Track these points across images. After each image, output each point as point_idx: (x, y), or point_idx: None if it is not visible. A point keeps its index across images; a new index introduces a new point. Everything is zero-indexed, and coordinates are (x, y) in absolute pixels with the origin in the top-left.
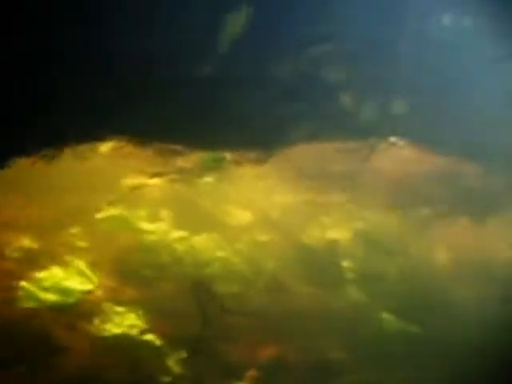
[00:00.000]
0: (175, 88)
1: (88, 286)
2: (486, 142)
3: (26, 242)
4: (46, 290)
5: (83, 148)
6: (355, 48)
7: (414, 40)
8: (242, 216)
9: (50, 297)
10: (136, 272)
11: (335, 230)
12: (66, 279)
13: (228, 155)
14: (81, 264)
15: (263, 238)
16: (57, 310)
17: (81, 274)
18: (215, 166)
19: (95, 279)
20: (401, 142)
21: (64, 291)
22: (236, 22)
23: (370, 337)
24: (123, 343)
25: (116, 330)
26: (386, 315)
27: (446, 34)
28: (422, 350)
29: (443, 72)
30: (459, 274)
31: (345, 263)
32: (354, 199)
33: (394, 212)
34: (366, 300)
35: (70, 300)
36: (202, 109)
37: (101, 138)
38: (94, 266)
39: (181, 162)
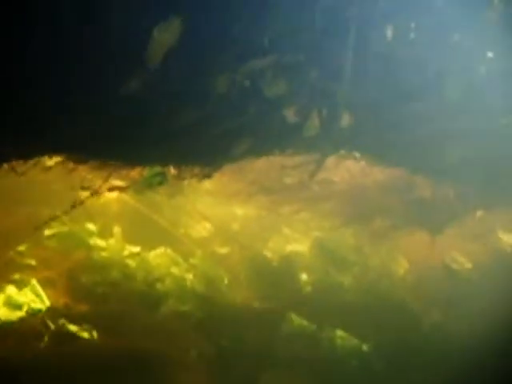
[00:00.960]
0: (105, 105)
1: (39, 305)
2: (434, 154)
3: None
4: None
5: (22, 164)
6: (297, 60)
7: (359, 52)
8: (198, 228)
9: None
10: (87, 290)
11: (293, 242)
12: (18, 295)
13: (170, 170)
14: (33, 282)
15: (220, 251)
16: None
17: (33, 292)
18: (157, 181)
19: (45, 299)
20: (348, 155)
21: (15, 307)
22: (165, 35)
23: (321, 358)
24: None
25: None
26: (339, 333)
27: (392, 46)
28: (376, 367)
29: (389, 84)
30: (417, 285)
31: (303, 277)
32: (309, 211)
33: (349, 224)
34: (320, 318)
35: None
36: (137, 124)
37: (37, 154)
38: (44, 284)
39: (126, 177)
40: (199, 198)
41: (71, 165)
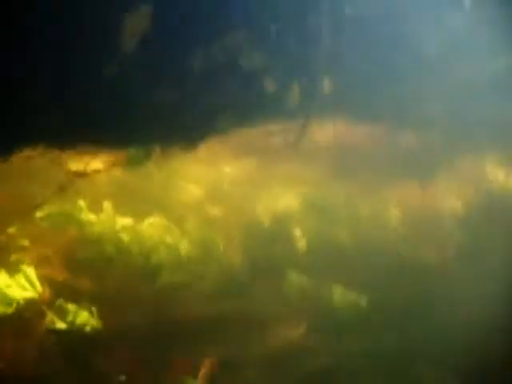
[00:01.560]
0: (85, 91)
1: (32, 292)
2: (415, 108)
3: None
4: None
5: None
6: (272, 31)
7: (333, 16)
8: (188, 192)
9: None
10: (83, 266)
11: (284, 199)
12: (9, 286)
13: (155, 149)
14: (26, 268)
15: (212, 213)
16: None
17: (26, 278)
18: (142, 161)
19: (38, 284)
20: (332, 117)
21: (7, 299)
22: (137, 19)
23: (320, 313)
24: (75, 344)
25: (67, 330)
26: (337, 288)
27: (365, 5)
28: (374, 319)
29: (366, 45)
30: (412, 233)
31: (297, 234)
32: (297, 169)
33: (338, 178)
34: (316, 274)
35: (14, 307)
36: (118, 107)
37: (18, 147)
38: (39, 263)
39: (111, 158)
40: (187, 164)
41: (55, 152)
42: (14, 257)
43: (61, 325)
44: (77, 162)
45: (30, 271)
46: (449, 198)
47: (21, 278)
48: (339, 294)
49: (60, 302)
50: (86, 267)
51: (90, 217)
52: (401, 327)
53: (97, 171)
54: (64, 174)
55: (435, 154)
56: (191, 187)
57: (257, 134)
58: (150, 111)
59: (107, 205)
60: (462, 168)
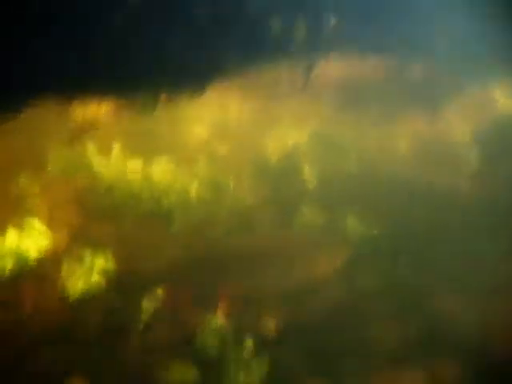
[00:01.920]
0: (94, 40)
1: (45, 242)
2: (424, 39)
3: None
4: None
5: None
6: None
7: None
8: (196, 133)
9: (8, 263)
10: (95, 211)
11: (292, 135)
12: (22, 241)
13: (162, 95)
14: (35, 221)
15: (221, 153)
16: (19, 273)
17: (37, 229)
18: (150, 107)
19: (50, 235)
20: (342, 55)
21: (22, 255)
22: None
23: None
24: (93, 292)
25: (84, 279)
26: (350, 220)
27: None
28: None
29: None
30: (420, 160)
31: (306, 169)
32: (306, 105)
33: (347, 112)
34: (328, 209)
35: (31, 262)
36: (126, 55)
37: (28, 96)
38: (51, 211)
39: (120, 104)
40: (194, 106)
41: (64, 101)
42: (26, 205)
43: (79, 271)
44: (85, 110)
45: (40, 223)
46: (458, 124)
47: (32, 232)
48: (351, 225)
49: (76, 249)
50: (99, 213)
51: (100, 163)
52: (413, 256)
53: (105, 118)
54: (73, 122)
55: (444, 84)
56: (199, 128)
57: (264, 74)
58: (159, 58)
59: (117, 150)
60: (471, 95)
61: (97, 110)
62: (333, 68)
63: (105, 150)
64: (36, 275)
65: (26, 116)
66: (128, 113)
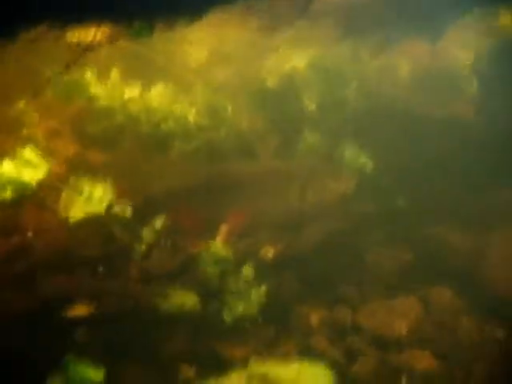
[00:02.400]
0: None
1: (43, 172)
2: None
3: None
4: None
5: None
6: None
7: None
8: (193, 57)
9: (8, 191)
10: (94, 136)
11: (291, 60)
12: (20, 171)
13: (161, 19)
14: (34, 150)
15: (218, 77)
16: (18, 202)
17: (35, 159)
18: (145, 33)
19: (48, 163)
20: None
21: (20, 183)
22: None
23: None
24: (92, 220)
25: (83, 208)
26: (348, 150)
27: None
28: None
29: None
30: (422, 89)
31: (305, 95)
32: (304, 33)
33: (347, 38)
34: (327, 134)
35: (29, 190)
36: None
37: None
38: (49, 136)
39: (116, 30)
40: (191, 31)
41: (59, 28)
42: (24, 131)
43: (78, 199)
44: (82, 36)
45: (38, 151)
46: (460, 51)
47: (30, 161)
48: (351, 154)
49: (74, 177)
50: (97, 139)
51: (98, 88)
52: (412, 186)
53: (102, 43)
54: (69, 48)
55: (445, 9)
56: (196, 54)
57: (263, 1)
58: None
59: (114, 75)
60: (473, 21)
61: (94, 36)
62: None
63: (102, 76)
64: (36, 203)
65: (22, 42)
66: (125, 38)
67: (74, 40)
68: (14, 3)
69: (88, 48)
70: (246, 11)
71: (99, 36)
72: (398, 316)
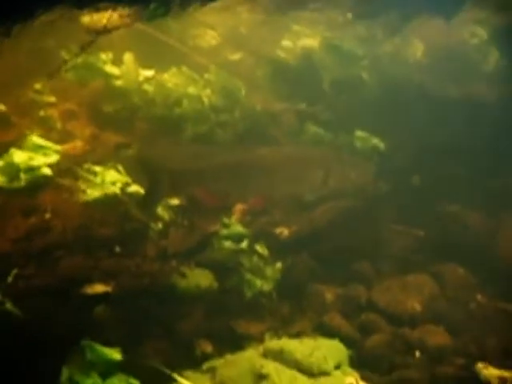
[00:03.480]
0: None
1: (54, 157)
2: None
3: None
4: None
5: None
6: None
7: None
8: (207, 38)
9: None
10: (110, 117)
11: (305, 39)
12: (31, 158)
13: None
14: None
15: (232, 58)
16: (34, 187)
17: (43, 144)
18: (161, 13)
19: (58, 148)
20: None
21: (34, 171)
22: None
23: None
24: (108, 199)
25: (98, 189)
26: (358, 133)
27: None
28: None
29: None
30: (436, 64)
31: (319, 73)
32: (317, 13)
33: (361, 18)
34: (339, 117)
35: (42, 177)
36: None
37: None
38: (66, 118)
39: (131, 12)
40: (204, 13)
41: (74, 11)
42: (41, 112)
43: (93, 182)
44: (97, 19)
45: (54, 136)
46: (475, 28)
47: (40, 143)
48: (361, 138)
49: (89, 162)
50: (113, 118)
51: (113, 69)
52: (427, 167)
53: (117, 26)
54: (84, 31)
55: None
56: (208, 33)
57: None
58: None
59: (129, 57)
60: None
61: (109, 18)
62: None
63: (117, 58)
64: (52, 185)
65: (38, 25)
66: (140, 21)
67: (90, 22)
68: None
69: (103, 30)
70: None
71: (115, 18)
72: (412, 292)
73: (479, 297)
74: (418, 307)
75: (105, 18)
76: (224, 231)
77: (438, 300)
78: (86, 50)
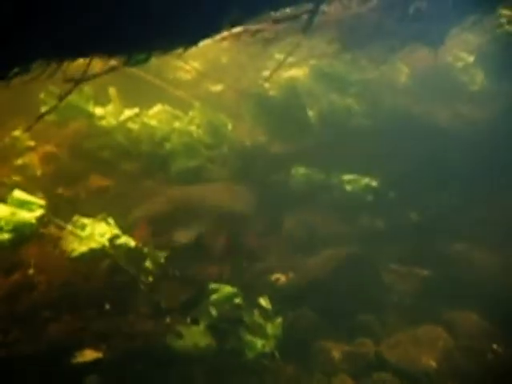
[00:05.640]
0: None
1: (41, 210)
2: None
3: None
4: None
5: None
6: None
7: None
8: (189, 70)
9: (6, 236)
10: (95, 158)
11: (290, 69)
12: (14, 213)
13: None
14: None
15: (215, 89)
16: (17, 241)
17: (26, 199)
18: (143, 60)
19: (46, 199)
20: None
21: (18, 226)
22: None
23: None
24: (95, 252)
25: (85, 242)
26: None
27: None
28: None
29: None
30: (423, 93)
31: (306, 104)
32: (304, 43)
33: (347, 50)
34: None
35: (28, 229)
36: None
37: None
38: (46, 161)
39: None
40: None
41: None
42: (22, 160)
43: (80, 234)
44: (77, 69)
45: (35, 191)
46: (460, 53)
47: (23, 198)
48: (351, 181)
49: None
50: (95, 155)
51: (96, 108)
52: (423, 199)
53: (96, 74)
54: (65, 80)
55: (446, 19)
56: (189, 66)
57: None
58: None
59: (113, 94)
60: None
61: (89, 67)
62: (333, 5)
63: (100, 97)
64: (36, 240)
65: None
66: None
67: (70, 73)
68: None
69: (84, 79)
70: (241, 29)
71: (96, 67)
72: (425, 347)
73: (495, 346)
74: (433, 363)
75: (85, 67)
76: (214, 296)
77: (453, 353)
78: (64, 98)
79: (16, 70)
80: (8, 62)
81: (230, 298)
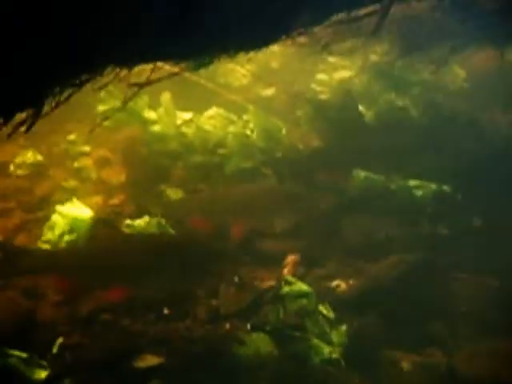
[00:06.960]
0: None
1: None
2: None
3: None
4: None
5: None
6: None
7: None
8: (239, 75)
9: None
10: (149, 164)
11: (343, 70)
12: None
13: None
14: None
15: (266, 93)
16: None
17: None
18: (206, 63)
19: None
20: None
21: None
22: None
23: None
24: None
25: None
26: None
27: None
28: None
29: None
30: (479, 96)
31: (361, 106)
32: (359, 44)
33: (405, 54)
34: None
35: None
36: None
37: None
38: (102, 167)
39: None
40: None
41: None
42: (78, 163)
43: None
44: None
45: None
46: None
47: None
48: (417, 188)
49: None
50: (150, 163)
51: (151, 113)
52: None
53: (159, 79)
54: (128, 86)
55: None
56: (240, 70)
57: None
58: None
59: (166, 99)
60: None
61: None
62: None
63: (154, 102)
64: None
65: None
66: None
67: (134, 79)
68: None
69: (148, 83)
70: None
71: (160, 73)
72: (505, 361)
73: None
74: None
75: (149, 72)
76: (286, 289)
77: None
78: (127, 102)
79: (86, 76)
80: (77, 68)
81: (300, 295)
